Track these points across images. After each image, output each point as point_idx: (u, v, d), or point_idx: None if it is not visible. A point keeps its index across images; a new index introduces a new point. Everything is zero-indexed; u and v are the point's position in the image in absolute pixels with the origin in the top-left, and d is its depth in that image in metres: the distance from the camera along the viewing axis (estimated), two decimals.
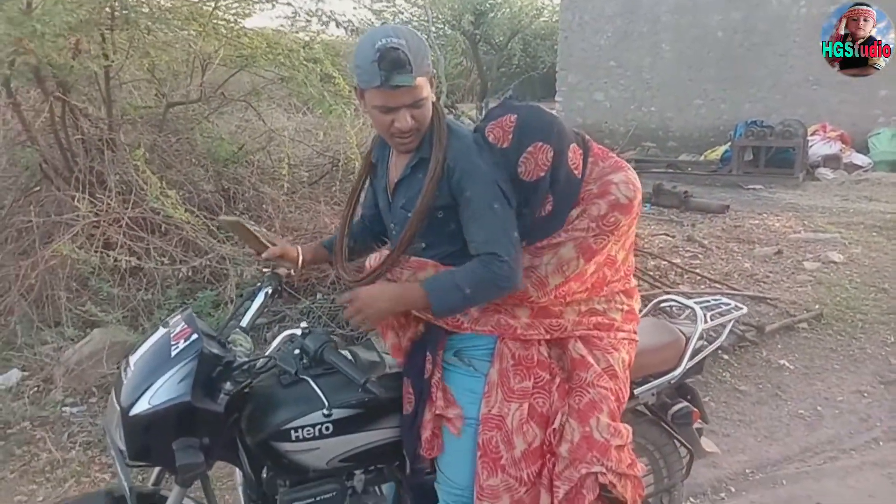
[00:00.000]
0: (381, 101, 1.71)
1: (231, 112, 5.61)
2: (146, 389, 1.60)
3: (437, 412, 1.88)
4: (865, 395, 4.13)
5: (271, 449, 1.76)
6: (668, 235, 7.06)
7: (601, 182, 1.90)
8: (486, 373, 1.89)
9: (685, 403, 2.40)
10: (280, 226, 4.90)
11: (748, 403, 3.98)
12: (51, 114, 4.41)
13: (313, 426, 1.76)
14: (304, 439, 1.76)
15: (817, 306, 5.30)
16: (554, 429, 1.86)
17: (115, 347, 3.83)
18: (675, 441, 2.45)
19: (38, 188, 4.73)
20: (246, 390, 1.75)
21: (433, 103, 1.82)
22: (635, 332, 2.08)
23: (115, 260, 4.01)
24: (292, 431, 1.75)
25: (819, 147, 11.58)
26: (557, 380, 1.90)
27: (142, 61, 4.54)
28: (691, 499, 3.08)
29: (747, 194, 9.96)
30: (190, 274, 4.18)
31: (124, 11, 4.25)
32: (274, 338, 2.34)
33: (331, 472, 1.83)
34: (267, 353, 1.86)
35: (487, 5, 18.62)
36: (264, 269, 1.99)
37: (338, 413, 1.77)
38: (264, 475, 1.85)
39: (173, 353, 1.65)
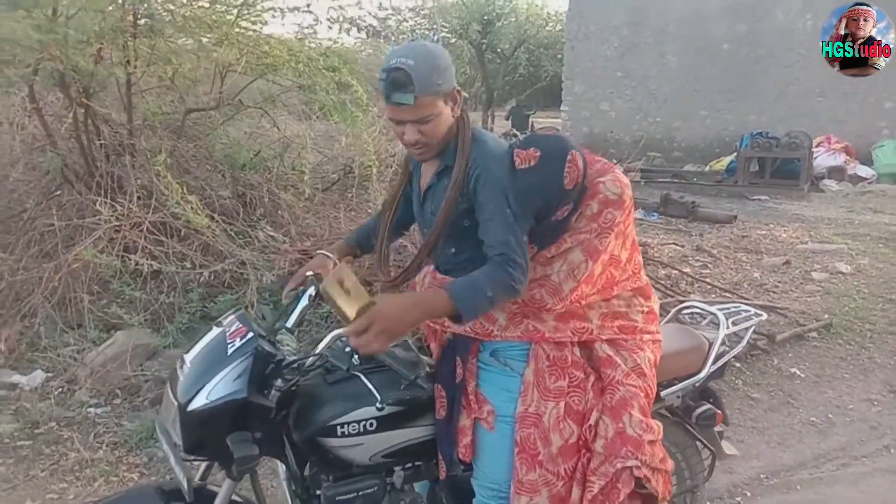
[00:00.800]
0: (390, 114, 1.85)
1: (241, 118, 5.68)
2: (204, 386, 1.67)
3: (475, 415, 1.96)
4: (875, 403, 4.18)
5: (317, 444, 1.83)
6: (677, 245, 7.12)
7: (591, 184, 1.99)
8: (521, 373, 1.96)
9: (709, 406, 2.46)
10: (296, 232, 4.96)
11: (761, 411, 4.04)
12: (74, 119, 4.49)
13: (359, 422, 1.83)
14: (350, 435, 1.82)
15: (826, 316, 5.36)
16: (589, 425, 1.93)
17: (137, 350, 3.90)
18: (698, 443, 2.51)
19: (59, 192, 4.80)
20: (293, 388, 1.82)
21: (462, 112, 1.91)
22: (658, 333, 2.15)
23: (137, 264, 4.07)
24: (339, 427, 1.81)
25: (824, 158, 11.66)
26: (592, 378, 1.97)
27: (165, 69, 4.60)
28: (708, 503, 3.13)
29: (753, 205, 10.04)
30: (211, 278, 4.23)
31: (148, 20, 4.33)
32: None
33: (372, 468, 1.90)
34: (317, 352, 1.93)
35: (494, 14, 18.74)
36: (308, 274, 2.05)
37: (385, 409, 1.84)
38: (307, 471, 1.91)
39: (230, 351, 1.71)
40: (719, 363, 2.45)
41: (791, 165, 11.26)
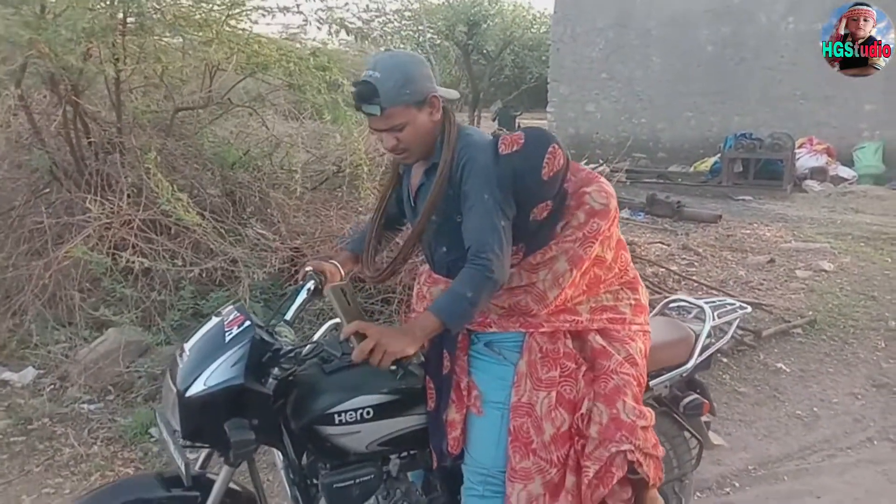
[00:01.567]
0: (368, 122, 1.93)
1: (229, 117, 5.68)
2: (202, 372, 1.69)
3: (465, 405, 2.00)
4: (859, 397, 4.26)
5: (315, 433, 1.86)
6: (663, 244, 7.20)
7: (576, 195, 2.04)
8: (515, 363, 2.00)
9: (696, 395, 2.51)
10: (286, 230, 4.97)
11: (748, 404, 4.11)
12: (63, 116, 4.48)
13: (356, 410, 1.86)
14: (347, 423, 1.85)
15: (811, 313, 5.45)
16: (581, 413, 1.97)
17: (129, 347, 3.90)
18: (686, 432, 2.56)
19: (47, 190, 4.79)
20: (291, 377, 1.84)
21: (445, 109, 1.97)
22: (647, 324, 2.21)
23: (127, 261, 4.07)
24: (336, 415, 1.84)
25: (806, 160, 11.80)
26: (583, 368, 2.01)
27: (154, 67, 4.61)
28: (698, 493, 3.18)
29: (737, 205, 10.15)
30: (202, 275, 4.24)
31: (138, 18, 4.33)
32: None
33: (369, 456, 1.93)
34: (313, 341, 1.96)
35: (480, 16, 18.80)
36: (307, 269, 2.09)
37: (378, 398, 1.88)
38: (305, 459, 1.94)
39: (227, 339, 1.74)
40: (706, 354, 2.50)
41: (774, 166, 11.41)
